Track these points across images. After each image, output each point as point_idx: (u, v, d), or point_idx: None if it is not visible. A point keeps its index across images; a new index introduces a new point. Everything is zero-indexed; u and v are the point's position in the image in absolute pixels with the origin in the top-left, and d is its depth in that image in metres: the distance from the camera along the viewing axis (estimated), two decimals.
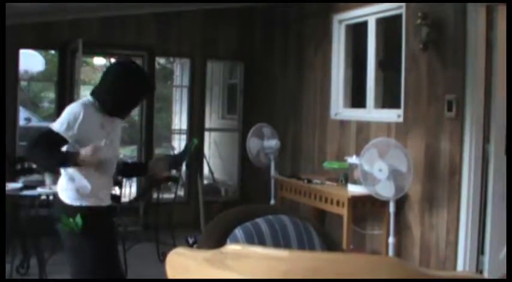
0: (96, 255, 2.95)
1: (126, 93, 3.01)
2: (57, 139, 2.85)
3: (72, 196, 2.94)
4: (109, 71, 3.11)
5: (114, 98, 2.99)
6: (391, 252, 4.39)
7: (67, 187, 2.95)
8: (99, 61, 18.33)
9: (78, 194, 2.94)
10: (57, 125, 2.88)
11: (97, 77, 18.45)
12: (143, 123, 7.20)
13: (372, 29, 5.24)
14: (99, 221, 2.99)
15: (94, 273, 2.94)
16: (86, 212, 2.91)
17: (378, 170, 4.26)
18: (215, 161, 8.63)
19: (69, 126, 2.87)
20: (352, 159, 4.73)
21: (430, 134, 4.49)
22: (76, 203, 2.93)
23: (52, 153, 2.86)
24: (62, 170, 2.99)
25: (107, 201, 3.09)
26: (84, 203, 2.94)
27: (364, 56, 5.33)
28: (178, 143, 9.08)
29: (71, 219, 2.88)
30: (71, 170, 2.93)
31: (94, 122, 2.96)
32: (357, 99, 5.64)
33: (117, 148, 3.22)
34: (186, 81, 7.75)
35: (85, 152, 2.80)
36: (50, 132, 2.87)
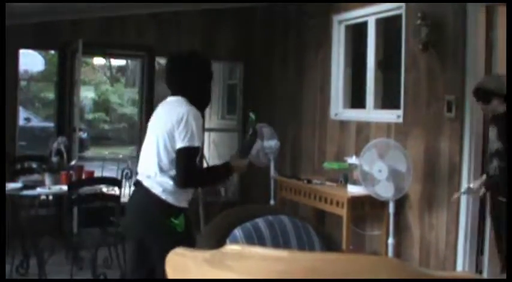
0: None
1: (206, 82, 3.14)
2: (198, 154, 2.96)
3: (178, 198, 2.99)
4: (179, 66, 3.16)
5: (202, 91, 3.12)
6: (390, 252, 4.39)
7: (174, 190, 2.96)
8: (99, 61, 18.36)
9: (181, 196, 3.01)
10: (196, 140, 2.91)
11: (97, 77, 18.55)
12: (143, 124, 7.20)
13: (371, 29, 5.24)
14: (189, 220, 3.12)
15: None
16: (185, 212, 3.06)
17: (377, 171, 4.26)
18: (215, 162, 8.62)
19: (200, 136, 2.97)
20: (352, 160, 4.73)
21: (430, 135, 4.49)
22: (181, 205, 3.01)
23: (213, 172, 3.27)
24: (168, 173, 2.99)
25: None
26: (183, 205, 3.04)
27: (364, 57, 5.33)
28: None
29: (176, 220, 2.97)
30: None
31: (201, 124, 3.03)
32: (356, 99, 5.64)
33: None
34: None
35: (236, 162, 3.10)
36: (195, 150, 2.92)
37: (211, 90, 3.23)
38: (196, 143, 2.89)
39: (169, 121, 2.92)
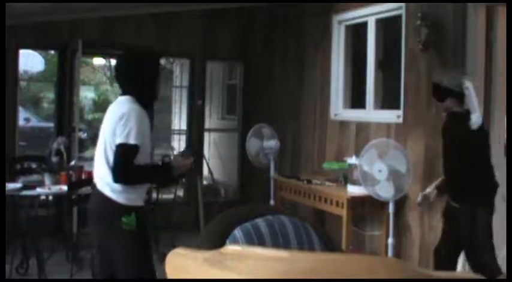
0: (145, 251, 3.04)
1: (151, 80, 3.11)
2: (136, 152, 2.92)
3: (128, 197, 2.96)
4: (125, 65, 3.16)
5: (147, 88, 3.09)
6: (390, 252, 4.39)
7: (122, 189, 2.94)
8: (99, 61, 18.36)
9: (131, 195, 2.97)
10: (133, 138, 2.89)
11: (97, 77, 18.55)
12: None
13: (371, 29, 5.24)
14: (144, 218, 3.07)
15: (143, 268, 3.00)
16: (138, 211, 3.00)
17: (377, 171, 4.26)
18: (215, 162, 8.62)
19: (143, 135, 2.96)
20: (352, 160, 4.73)
21: (430, 135, 4.49)
22: (132, 203, 2.97)
23: (149, 170, 3.11)
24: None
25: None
26: (135, 203, 2.99)
27: (364, 57, 5.33)
28: (178, 144, 9.07)
29: (126, 219, 2.93)
30: None
31: (145, 123, 3.02)
32: (356, 99, 5.64)
33: None
34: (185, 82, 7.75)
35: (177, 162, 3.08)
36: (131, 147, 2.90)
37: (158, 87, 3.17)
38: (132, 141, 2.87)
39: (113, 120, 2.94)
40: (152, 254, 3.14)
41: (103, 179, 2.97)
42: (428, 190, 4.06)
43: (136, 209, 2.98)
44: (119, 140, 2.88)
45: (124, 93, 3.08)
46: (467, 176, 3.73)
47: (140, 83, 3.06)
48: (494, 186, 3.77)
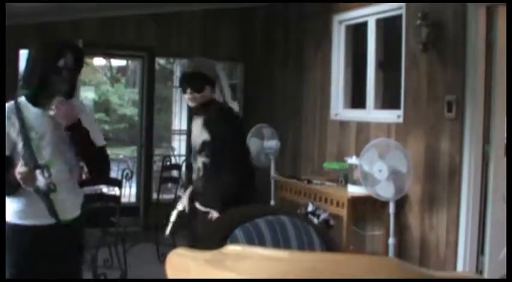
0: None
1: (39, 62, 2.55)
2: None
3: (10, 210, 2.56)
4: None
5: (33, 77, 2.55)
6: (391, 252, 4.39)
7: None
8: (99, 62, 18.35)
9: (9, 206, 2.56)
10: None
11: (97, 78, 18.55)
12: (143, 124, 7.20)
13: (372, 29, 5.24)
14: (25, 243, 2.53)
15: None
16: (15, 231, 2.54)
17: (377, 171, 4.26)
18: None
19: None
20: (352, 160, 4.73)
21: (430, 135, 4.49)
22: (12, 220, 2.55)
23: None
24: None
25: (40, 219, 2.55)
26: (15, 220, 2.55)
27: (364, 57, 5.33)
28: (178, 144, 9.08)
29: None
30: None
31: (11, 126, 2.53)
32: (356, 99, 5.65)
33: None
34: None
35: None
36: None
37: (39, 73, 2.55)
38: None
39: None
40: None
41: None
42: (182, 204, 3.50)
43: (16, 227, 2.53)
44: None
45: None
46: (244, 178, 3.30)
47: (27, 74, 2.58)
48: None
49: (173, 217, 3.51)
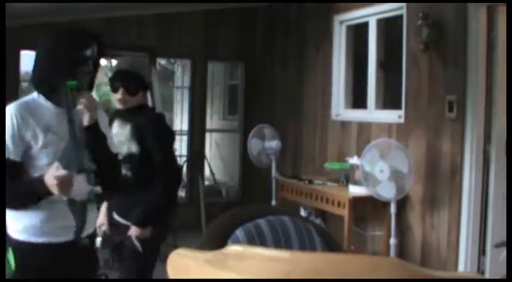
0: None
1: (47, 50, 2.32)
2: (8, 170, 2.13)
3: (12, 223, 2.24)
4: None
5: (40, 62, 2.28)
6: (392, 253, 4.39)
7: (13, 212, 2.21)
8: (100, 62, 18.38)
9: (18, 220, 2.23)
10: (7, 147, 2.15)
11: (98, 78, 18.58)
12: None
13: (372, 29, 5.24)
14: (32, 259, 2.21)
15: None
16: (18, 247, 2.20)
17: (379, 171, 4.26)
18: (216, 162, 8.63)
19: (19, 141, 2.17)
20: (353, 160, 4.73)
21: (431, 135, 4.49)
22: (15, 236, 2.23)
23: (12, 190, 2.11)
24: None
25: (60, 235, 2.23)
26: (19, 237, 2.22)
27: (365, 57, 5.33)
28: (179, 144, 9.08)
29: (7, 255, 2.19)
30: None
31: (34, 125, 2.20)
32: (357, 99, 5.64)
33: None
34: (187, 82, 7.76)
35: (50, 180, 2.05)
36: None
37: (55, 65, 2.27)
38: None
39: None
40: None
41: None
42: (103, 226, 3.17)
43: (17, 243, 2.19)
44: None
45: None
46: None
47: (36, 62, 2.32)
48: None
49: (99, 244, 3.07)
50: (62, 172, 2.03)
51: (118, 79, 3.02)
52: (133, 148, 2.98)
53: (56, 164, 2.06)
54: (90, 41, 2.29)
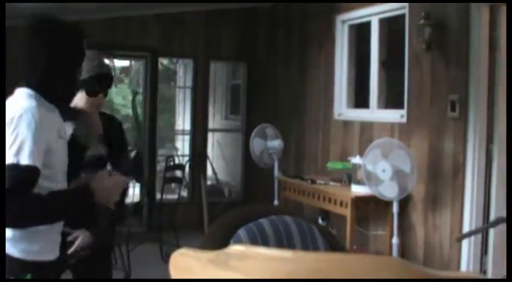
0: None
1: (70, 59, 2.20)
2: (31, 178, 1.88)
3: (26, 247, 2.00)
4: (32, 40, 2.20)
5: (62, 74, 2.10)
6: (394, 252, 4.39)
7: (19, 235, 1.98)
8: None
9: (34, 245, 2.02)
10: (27, 154, 1.86)
11: None
12: (146, 124, 7.21)
13: (375, 29, 5.24)
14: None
15: None
16: (40, 270, 2.02)
17: (381, 171, 4.26)
18: (218, 162, 8.63)
19: (47, 148, 1.95)
20: (356, 160, 4.73)
21: (434, 134, 4.49)
22: (32, 258, 2.01)
23: (51, 201, 1.91)
24: None
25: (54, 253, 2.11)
26: (38, 258, 2.03)
27: (367, 56, 5.33)
28: (182, 144, 9.09)
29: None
30: None
31: (52, 129, 2.02)
32: (360, 99, 5.64)
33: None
34: (189, 82, 7.76)
35: (100, 184, 1.94)
36: (23, 169, 1.86)
37: (78, 78, 2.24)
38: (25, 160, 1.84)
39: (4, 126, 1.92)
40: None
41: None
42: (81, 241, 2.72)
43: (37, 266, 2.00)
44: (8, 159, 1.84)
45: (25, 83, 2.08)
46: None
47: (52, 69, 2.07)
48: None
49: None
50: (122, 177, 1.99)
51: (99, 81, 2.80)
52: (102, 154, 2.83)
53: (109, 169, 1.98)
54: (81, 31, 2.27)
